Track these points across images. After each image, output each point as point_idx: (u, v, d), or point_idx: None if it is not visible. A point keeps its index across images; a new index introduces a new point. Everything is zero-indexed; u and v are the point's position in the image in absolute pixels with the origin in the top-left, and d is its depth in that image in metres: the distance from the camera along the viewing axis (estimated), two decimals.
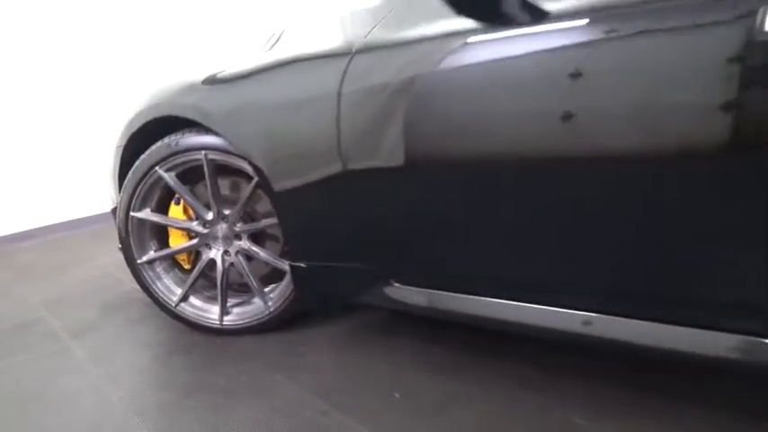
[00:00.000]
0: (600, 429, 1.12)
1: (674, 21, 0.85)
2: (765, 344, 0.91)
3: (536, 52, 0.97)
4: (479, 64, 1.04)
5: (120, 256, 1.75)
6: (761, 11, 0.76)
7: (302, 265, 1.45)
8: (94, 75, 3.31)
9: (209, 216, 1.61)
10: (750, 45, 0.78)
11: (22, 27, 2.99)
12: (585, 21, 0.92)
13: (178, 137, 1.54)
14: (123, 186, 1.66)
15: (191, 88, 1.51)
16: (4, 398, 1.45)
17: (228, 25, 3.82)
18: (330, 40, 1.30)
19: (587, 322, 1.08)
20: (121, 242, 1.71)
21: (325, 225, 1.38)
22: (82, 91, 3.27)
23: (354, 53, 1.21)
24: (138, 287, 1.76)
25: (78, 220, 3.31)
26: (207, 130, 1.49)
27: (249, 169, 1.43)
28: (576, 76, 0.93)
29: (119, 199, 1.69)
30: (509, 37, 1.01)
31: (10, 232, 3.08)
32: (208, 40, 3.71)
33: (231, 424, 1.26)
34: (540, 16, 0.98)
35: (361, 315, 1.73)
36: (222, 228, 1.63)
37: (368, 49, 1.19)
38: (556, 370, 1.33)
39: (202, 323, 1.70)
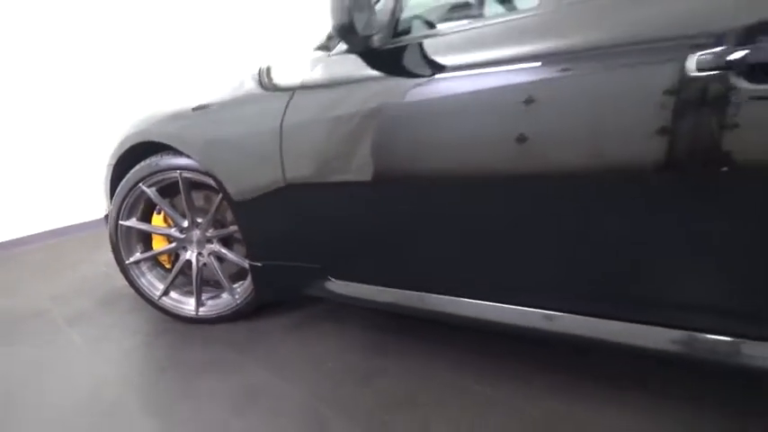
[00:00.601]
0: (495, 393, 1.43)
1: (602, 62, 1.06)
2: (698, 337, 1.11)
3: (419, 99, 1.29)
4: (372, 104, 1.35)
5: (112, 257, 2.07)
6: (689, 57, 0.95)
7: (258, 264, 1.77)
8: (96, 89, 3.61)
9: (185, 224, 1.94)
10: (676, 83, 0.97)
11: (23, 36, 3.26)
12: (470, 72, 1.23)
13: (158, 159, 1.87)
14: (113, 199, 1.98)
15: (168, 119, 1.83)
16: (10, 376, 1.77)
17: (222, 33, 4.11)
18: (275, 84, 1.62)
19: (483, 309, 1.38)
20: (112, 246, 2.03)
21: (274, 230, 1.70)
22: (83, 105, 3.57)
23: (293, 94, 1.53)
24: (126, 284, 2.08)
25: (78, 225, 3.63)
26: (181, 153, 1.81)
27: (215, 185, 1.75)
28: (448, 103, 1.25)
29: (109, 209, 2.02)
30: (395, 84, 1.33)
31: (20, 236, 3.40)
32: (202, 47, 4.01)
33: (199, 391, 1.58)
34: (431, 70, 1.30)
35: (313, 305, 2.04)
36: (196, 233, 1.95)
37: (302, 90, 1.51)
38: (469, 349, 1.65)
39: (181, 313, 2.02)
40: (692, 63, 0.95)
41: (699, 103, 0.97)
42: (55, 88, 3.44)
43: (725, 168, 0.97)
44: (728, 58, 0.92)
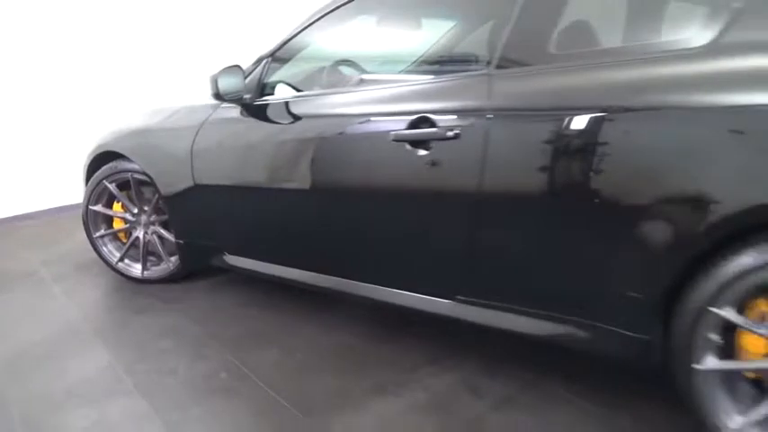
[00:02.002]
0: (373, 348, 2.17)
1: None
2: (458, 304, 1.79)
3: (276, 124, 2.04)
4: (244, 136, 2.10)
5: None
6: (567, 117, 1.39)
7: (181, 241, 2.53)
8: (94, 83, 4.34)
9: (135, 210, 2.70)
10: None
11: (22, 29, 3.93)
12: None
13: (116, 163, 2.62)
14: (86, 190, 2.75)
15: (124, 136, 2.59)
16: (2, 315, 2.55)
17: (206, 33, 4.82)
18: (185, 124, 2.35)
19: (357, 287, 1.97)
20: (84, 224, 2.80)
21: (188, 217, 2.45)
22: (83, 98, 4.30)
23: (199, 128, 2.28)
24: (94, 253, 2.85)
25: (74, 204, 4.39)
26: (132, 161, 2.56)
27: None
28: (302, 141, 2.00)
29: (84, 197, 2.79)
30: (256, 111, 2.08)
31: (20, 213, 4.19)
32: (191, 45, 4.72)
33: (135, 326, 2.35)
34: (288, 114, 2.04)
35: (225, 273, 2.79)
36: (143, 218, 2.71)
37: (205, 128, 2.26)
38: (337, 318, 2.39)
39: (131, 275, 2.78)
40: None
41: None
42: (55, 84, 4.17)
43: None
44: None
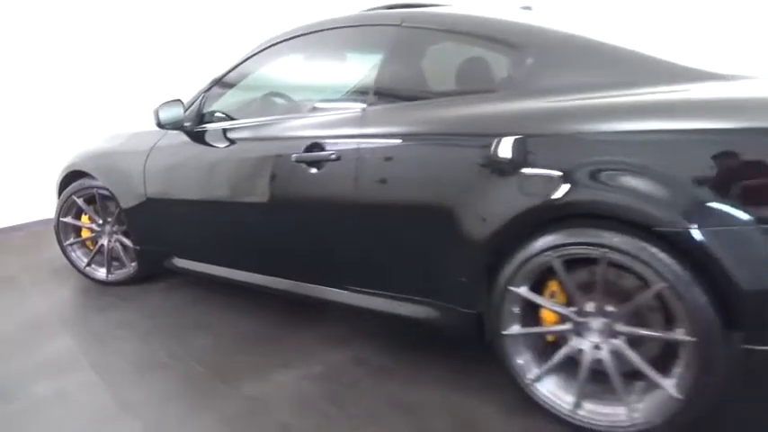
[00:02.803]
0: (285, 333, 2.58)
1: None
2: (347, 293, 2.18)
3: (202, 148, 2.46)
4: (185, 157, 2.52)
5: None
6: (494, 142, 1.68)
7: (138, 247, 2.94)
8: (81, 97, 4.75)
9: (100, 221, 3.11)
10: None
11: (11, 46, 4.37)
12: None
13: (83, 180, 3.04)
14: (57, 203, 3.16)
15: (89, 157, 3.01)
16: None
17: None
18: (139, 147, 2.77)
19: (286, 284, 2.37)
20: (56, 233, 3.21)
21: (143, 226, 2.86)
22: (63, 119, 4.70)
23: (149, 153, 2.70)
24: (65, 259, 3.26)
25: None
26: (96, 178, 2.98)
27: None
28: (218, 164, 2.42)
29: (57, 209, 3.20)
30: (186, 141, 2.51)
31: (9, 224, 4.59)
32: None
33: (97, 321, 2.75)
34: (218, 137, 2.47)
35: (181, 276, 3.20)
36: (107, 227, 3.12)
37: (154, 153, 2.68)
38: (252, 302, 2.79)
39: (96, 278, 3.17)
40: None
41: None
42: (44, 107, 4.59)
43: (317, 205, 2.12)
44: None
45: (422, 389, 1.97)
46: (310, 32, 2.28)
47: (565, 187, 1.53)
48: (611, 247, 1.49)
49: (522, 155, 1.61)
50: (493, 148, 1.65)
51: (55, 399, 2.07)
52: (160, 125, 2.47)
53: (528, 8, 2.32)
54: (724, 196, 1.36)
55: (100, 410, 1.98)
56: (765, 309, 1.36)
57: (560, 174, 1.54)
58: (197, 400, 2.02)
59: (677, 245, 1.40)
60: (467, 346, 2.07)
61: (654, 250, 1.43)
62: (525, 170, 1.61)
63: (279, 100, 2.70)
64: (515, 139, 1.62)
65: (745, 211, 1.34)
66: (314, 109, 2.44)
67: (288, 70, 2.54)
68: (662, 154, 1.42)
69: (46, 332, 2.64)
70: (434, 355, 2.16)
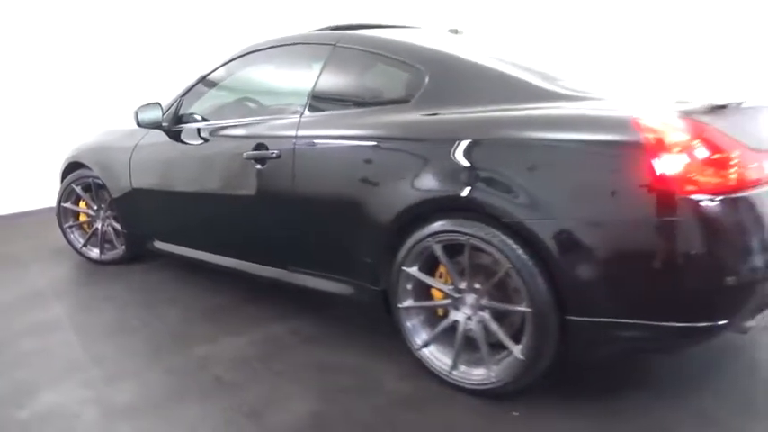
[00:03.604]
0: (240, 307, 2.96)
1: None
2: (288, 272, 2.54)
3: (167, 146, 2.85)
4: (164, 152, 2.92)
5: None
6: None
7: (125, 231, 3.35)
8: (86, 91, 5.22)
9: (95, 207, 3.53)
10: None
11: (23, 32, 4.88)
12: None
13: (81, 171, 3.47)
14: (59, 190, 3.59)
15: (87, 151, 3.44)
16: None
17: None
18: (126, 143, 3.18)
19: (241, 264, 2.80)
20: (57, 217, 3.64)
21: (129, 213, 3.27)
22: (72, 114, 5.17)
23: (134, 149, 3.10)
24: (65, 241, 3.69)
25: None
26: (92, 169, 3.40)
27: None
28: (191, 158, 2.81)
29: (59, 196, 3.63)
30: (165, 141, 2.90)
31: (23, 210, 5.07)
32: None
33: (86, 294, 3.16)
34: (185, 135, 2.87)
35: (161, 258, 3.59)
36: (101, 213, 3.54)
37: (138, 149, 3.08)
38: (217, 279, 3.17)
39: (91, 257, 3.60)
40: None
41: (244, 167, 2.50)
42: (58, 101, 5.06)
43: (253, 193, 2.49)
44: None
45: (341, 354, 2.31)
46: (265, 48, 2.66)
47: (439, 184, 1.87)
48: (472, 235, 1.81)
49: (410, 156, 1.96)
50: (392, 149, 2.00)
51: (37, 352, 2.47)
52: (139, 125, 2.86)
53: (455, 31, 2.65)
54: (551, 194, 1.68)
55: (72, 362, 2.37)
56: (582, 287, 1.68)
57: (437, 173, 1.88)
58: (153, 357, 2.40)
59: (519, 233, 1.73)
60: (385, 318, 2.41)
61: (504, 238, 1.76)
62: (414, 169, 1.95)
63: (239, 105, 3.06)
64: (406, 142, 1.96)
65: (568, 207, 1.66)
66: (263, 114, 2.81)
67: (247, 80, 2.92)
68: (508, 158, 1.76)
69: (40, 301, 3.05)
70: (358, 328, 2.50)
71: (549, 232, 1.67)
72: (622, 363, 2.15)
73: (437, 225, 1.91)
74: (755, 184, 1.61)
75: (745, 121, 1.77)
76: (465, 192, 1.81)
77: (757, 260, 1.60)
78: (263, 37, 2.74)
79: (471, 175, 1.81)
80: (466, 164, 1.82)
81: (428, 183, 1.91)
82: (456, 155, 1.85)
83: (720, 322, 1.63)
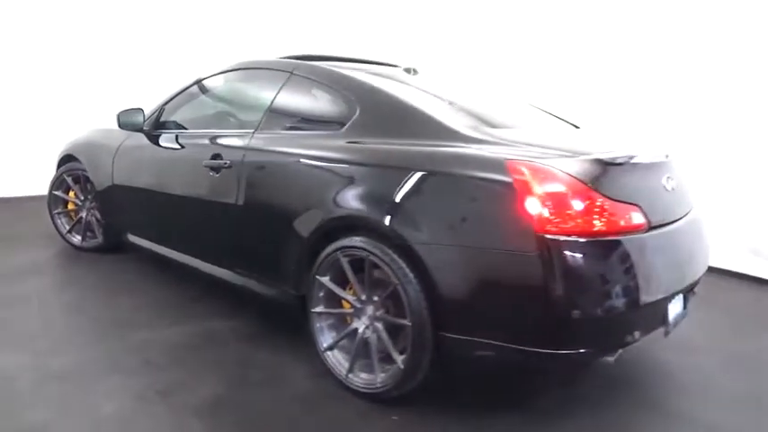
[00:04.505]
0: (186, 303, 3.22)
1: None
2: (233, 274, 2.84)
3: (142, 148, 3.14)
4: (143, 154, 3.21)
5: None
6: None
7: (104, 222, 3.65)
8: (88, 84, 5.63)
9: (82, 197, 3.84)
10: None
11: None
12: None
13: (73, 163, 3.79)
14: (52, 178, 3.92)
15: (79, 145, 3.76)
16: None
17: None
18: (112, 142, 3.49)
19: (196, 262, 3.08)
20: (48, 204, 3.96)
21: (109, 206, 3.56)
22: (76, 103, 5.57)
23: (118, 148, 3.41)
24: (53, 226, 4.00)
25: None
26: (81, 162, 3.72)
27: None
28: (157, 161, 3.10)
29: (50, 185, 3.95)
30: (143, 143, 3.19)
31: (27, 194, 5.44)
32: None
33: (63, 274, 3.46)
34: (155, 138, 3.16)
35: (135, 252, 3.87)
36: (87, 204, 3.84)
37: (122, 148, 3.39)
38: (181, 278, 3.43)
39: (73, 243, 3.90)
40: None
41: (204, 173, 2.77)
42: (60, 91, 5.47)
43: (211, 198, 2.75)
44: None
45: (265, 352, 2.52)
46: (238, 69, 2.95)
47: (347, 205, 2.11)
48: (370, 252, 2.03)
49: (329, 177, 2.20)
50: (317, 170, 2.25)
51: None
52: (120, 126, 3.17)
53: (409, 71, 2.90)
54: (436, 222, 1.89)
55: (26, 332, 2.63)
56: (454, 307, 1.88)
57: (346, 194, 2.11)
58: (97, 337, 2.65)
59: (407, 254, 1.94)
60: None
61: (394, 257, 1.97)
62: (331, 189, 2.18)
63: (209, 117, 3.30)
64: (328, 165, 2.21)
65: (448, 235, 1.87)
66: (226, 127, 3.08)
67: (219, 95, 3.21)
68: (403, 187, 1.97)
69: (19, 278, 3.35)
70: (292, 330, 2.71)
71: (430, 255, 1.88)
72: (501, 382, 2.33)
73: (345, 241, 2.13)
74: (611, 232, 1.80)
75: (629, 175, 1.98)
76: (365, 213, 2.04)
77: (606, 299, 1.78)
78: (246, 55, 3.03)
79: (371, 199, 2.04)
80: (368, 188, 2.05)
81: (339, 202, 2.14)
82: (361, 179, 2.08)
83: (571, 351, 1.80)
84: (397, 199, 1.98)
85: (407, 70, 2.91)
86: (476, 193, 1.87)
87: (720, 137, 3.97)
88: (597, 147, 2.13)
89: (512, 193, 1.78)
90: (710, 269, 4.26)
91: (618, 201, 1.86)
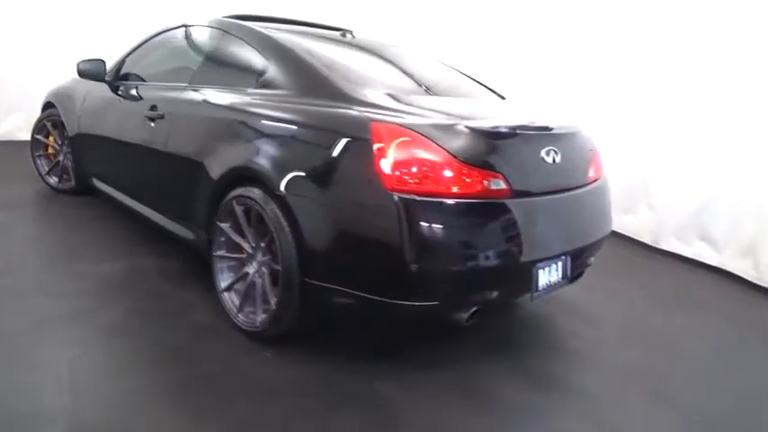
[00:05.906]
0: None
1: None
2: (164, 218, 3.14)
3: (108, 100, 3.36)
4: (104, 102, 3.43)
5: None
6: None
7: (73, 166, 3.91)
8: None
9: (60, 142, 4.11)
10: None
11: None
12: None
13: (52, 110, 4.05)
14: (34, 123, 4.19)
15: (57, 93, 4.01)
16: None
17: None
18: (80, 92, 3.72)
19: (140, 207, 3.32)
20: (30, 146, 4.25)
21: (79, 151, 3.81)
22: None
23: (85, 97, 3.64)
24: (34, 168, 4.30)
25: None
26: (58, 109, 3.97)
27: None
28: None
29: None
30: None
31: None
32: None
33: (40, 215, 3.75)
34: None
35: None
36: (64, 148, 4.11)
37: (87, 97, 3.61)
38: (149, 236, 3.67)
39: (50, 184, 4.18)
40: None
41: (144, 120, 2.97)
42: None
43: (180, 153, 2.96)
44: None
45: (180, 289, 2.73)
46: (187, 26, 3.11)
47: (240, 156, 2.27)
48: (256, 201, 2.19)
49: (232, 130, 2.36)
50: (225, 122, 2.41)
51: None
52: (79, 75, 3.39)
53: (344, 33, 3.00)
54: (307, 175, 2.04)
55: None
56: (315, 255, 2.03)
57: (242, 146, 2.28)
58: (43, 265, 2.92)
59: (283, 205, 2.09)
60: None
61: (273, 206, 2.12)
62: (233, 141, 2.35)
63: (156, 70, 3.43)
64: (234, 118, 2.37)
65: (315, 187, 2.01)
66: (167, 80, 3.25)
67: (168, 50, 3.37)
68: (283, 142, 2.12)
69: (20, 204, 3.70)
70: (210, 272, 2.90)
71: (300, 206, 2.03)
72: (383, 339, 2.48)
73: (239, 190, 2.29)
74: (462, 195, 1.91)
75: (496, 144, 2.07)
76: (253, 164, 2.19)
77: (449, 256, 1.90)
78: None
79: (259, 152, 2.19)
80: (258, 142, 2.21)
81: (236, 154, 2.30)
82: (255, 133, 2.23)
83: (418, 303, 1.94)
84: (279, 153, 2.13)
85: (342, 34, 3.01)
86: (342, 149, 1.99)
87: (678, 124, 3.94)
88: (483, 116, 2.21)
89: (369, 150, 1.90)
90: (654, 250, 4.30)
91: (475, 167, 1.95)
